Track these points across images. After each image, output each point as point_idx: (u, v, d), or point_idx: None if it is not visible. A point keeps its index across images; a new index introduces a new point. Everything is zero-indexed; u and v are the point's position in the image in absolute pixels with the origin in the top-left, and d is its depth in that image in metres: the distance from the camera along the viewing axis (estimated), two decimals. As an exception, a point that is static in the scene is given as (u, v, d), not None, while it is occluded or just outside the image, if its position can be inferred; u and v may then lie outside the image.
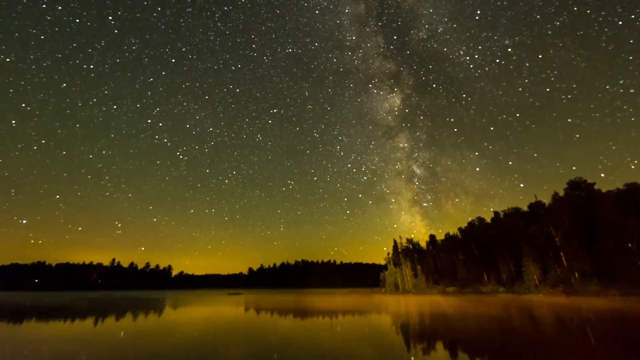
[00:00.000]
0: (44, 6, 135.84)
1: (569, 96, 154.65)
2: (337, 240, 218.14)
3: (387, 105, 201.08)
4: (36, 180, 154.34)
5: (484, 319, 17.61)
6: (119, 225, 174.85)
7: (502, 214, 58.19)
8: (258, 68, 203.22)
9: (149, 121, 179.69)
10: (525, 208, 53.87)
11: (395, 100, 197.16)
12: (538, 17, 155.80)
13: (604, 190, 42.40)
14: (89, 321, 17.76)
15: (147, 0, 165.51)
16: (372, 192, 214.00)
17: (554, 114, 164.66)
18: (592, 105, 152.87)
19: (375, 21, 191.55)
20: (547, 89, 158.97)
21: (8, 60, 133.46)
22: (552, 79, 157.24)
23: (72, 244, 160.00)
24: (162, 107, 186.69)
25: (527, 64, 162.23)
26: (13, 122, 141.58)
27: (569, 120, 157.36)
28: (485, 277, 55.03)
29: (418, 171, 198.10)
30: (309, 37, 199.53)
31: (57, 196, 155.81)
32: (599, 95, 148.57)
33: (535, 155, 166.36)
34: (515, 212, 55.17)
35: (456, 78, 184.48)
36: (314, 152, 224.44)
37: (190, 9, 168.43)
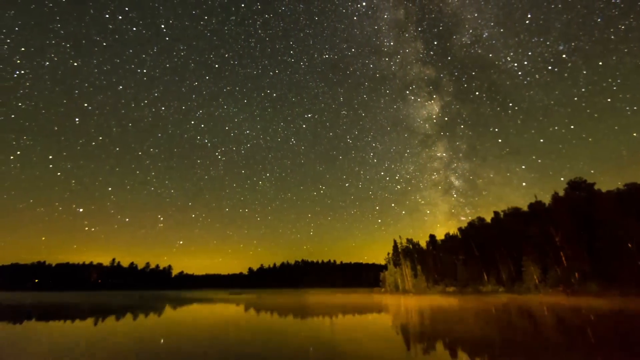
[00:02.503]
0: (107, 16, 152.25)
1: (635, 108, 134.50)
2: (367, 248, 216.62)
3: (424, 112, 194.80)
4: (93, 173, 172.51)
5: (483, 319, 17.61)
6: (161, 219, 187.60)
7: (502, 214, 58.14)
8: (295, 73, 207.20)
9: (192, 122, 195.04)
10: (525, 208, 53.88)
11: (434, 107, 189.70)
12: (599, 20, 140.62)
13: (603, 190, 42.42)
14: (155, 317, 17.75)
15: (196, 9, 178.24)
16: (405, 202, 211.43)
17: (616, 127, 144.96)
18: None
19: (415, 26, 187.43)
20: (608, 99, 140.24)
21: (76, 64, 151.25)
22: (615, 88, 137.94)
23: (119, 234, 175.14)
24: (204, 109, 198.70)
25: (585, 72, 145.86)
26: (77, 119, 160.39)
27: (635, 134, 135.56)
28: (485, 277, 55.00)
29: (456, 183, 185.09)
30: (346, 43, 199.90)
31: (110, 188, 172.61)
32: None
33: (592, 171, 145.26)
34: (515, 212, 55.12)
35: (502, 85, 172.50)
36: (346, 158, 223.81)
37: (234, 17, 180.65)
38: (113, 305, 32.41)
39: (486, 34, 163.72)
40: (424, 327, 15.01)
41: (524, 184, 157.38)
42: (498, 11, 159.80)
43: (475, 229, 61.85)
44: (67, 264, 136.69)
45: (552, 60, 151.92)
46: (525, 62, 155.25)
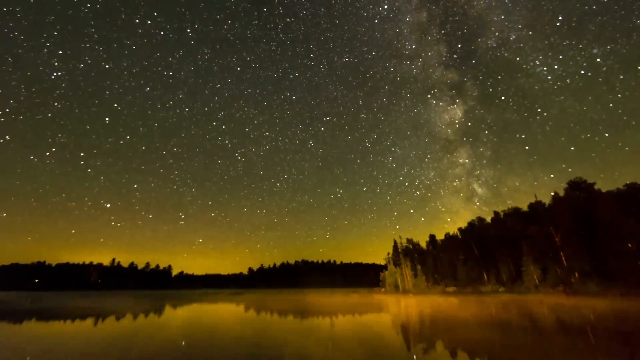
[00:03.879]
0: (137, 21, 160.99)
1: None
2: (385, 254, 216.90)
3: (446, 117, 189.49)
4: (120, 171, 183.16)
5: (483, 319, 17.61)
6: (182, 216, 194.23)
7: (502, 214, 58.17)
8: (314, 76, 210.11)
9: (214, 124, 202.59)
10: (525, 208, 53.91)
11: (457, 112, 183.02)
12: (638, 22, 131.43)
13: (604, 190, 42.45)
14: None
15: (220, 14, 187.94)
16: (425, 208, 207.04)
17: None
18: None
19: (438, 29, 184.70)
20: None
21: (107, 67, 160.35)
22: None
23: (144, 229, 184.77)
24: (226, 111, 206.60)
25: (621, 77, 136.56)
26: (107, 119, 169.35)
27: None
28: (485, 277, 55.02)
29: (479, 190, 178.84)
30: (366, 46, 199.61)
31: (135, 185, 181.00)
32: None
33: (629, 182, 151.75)
34: (515, 212, 55.16)
35: (530, 90, 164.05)
36: (364, 162, 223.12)
37: (256, 21, 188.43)
38: (114, 306, 32.42)
39: (513, 36, 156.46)
40: (424, 327, 15.02)
41: (552, 193, 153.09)
42: (527, 13, 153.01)
43: (475, 229, 61.87)
44: (67, 264, 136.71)
45: (585, 64, 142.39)
46: (556, 66, 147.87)
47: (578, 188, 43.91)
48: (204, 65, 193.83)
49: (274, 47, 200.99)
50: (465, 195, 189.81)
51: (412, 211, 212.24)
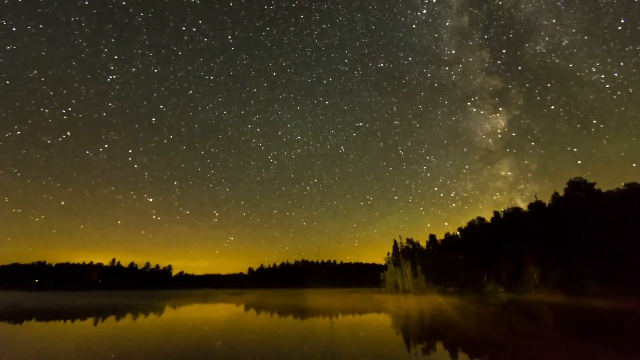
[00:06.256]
0: (183, 28, 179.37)
1: None
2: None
3: (488, 126, 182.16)
4: (163, 168, 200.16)
5: (483, 319, 17.60)
6: (216, 214, 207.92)
7: (502, 214, 58.17)
8: (348, 82, 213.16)
9: (249, 126, 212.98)
10: (525, 208, 53.90)
11: (499, 121, 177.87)
12: None
13: (604, 190, 42.43)
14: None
15: (259, 21, 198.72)
16: (461, 221, 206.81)
17: None
18: None
19: (481, 34, 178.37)
20: None
21: (155, 71, 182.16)
22: None
23: (181, 225, 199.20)
24: (261, 114, 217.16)
25: None
26: (153, 119, 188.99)
27: None
28: (485, 277, 54.99)
29: (523, 206, 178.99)
30: (402, 52, 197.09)
31: (175, 182, 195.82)
32: None
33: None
34: (515, 212, 55.14)
35: (584, 99, 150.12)
36: (397, 170, 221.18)
37: (293, 28, 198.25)
38: (113, 306, 32.42)
39: (566, 41, 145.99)
40: (424, 327, 15.01)
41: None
42: (582, 16, 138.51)
43: (475, 229, 61.87)
44: (67, 264, 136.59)
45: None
46: (616, 74, 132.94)
47: (578, 188, 43.90)
48: (242, 70, 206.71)
49: (309, 53, 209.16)
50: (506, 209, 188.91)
51: (446, 223, 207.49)
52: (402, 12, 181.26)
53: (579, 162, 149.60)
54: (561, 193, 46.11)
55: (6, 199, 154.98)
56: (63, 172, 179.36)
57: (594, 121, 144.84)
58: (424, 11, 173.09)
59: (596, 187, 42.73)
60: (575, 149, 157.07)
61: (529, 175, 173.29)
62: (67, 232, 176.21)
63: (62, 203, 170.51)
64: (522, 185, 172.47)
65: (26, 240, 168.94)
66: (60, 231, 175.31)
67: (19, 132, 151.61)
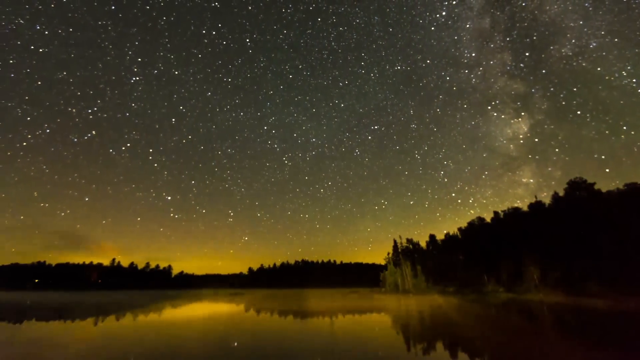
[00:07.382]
0: (204, 31, 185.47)
1: None
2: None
3: (509, 131, 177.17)
4: (181, 167, 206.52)
5: (483, 319, 17.59)
6: (231, 214, 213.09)
7: (502, 214, 58.14)
8: (364, 85, 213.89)
9: (265, 128, 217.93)
10: (525, 208, 53.89)
11: (521, 126, 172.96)
12: None
13: (604, 190, 42.42)
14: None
15: (277, 24, 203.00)
16: None
17: None
18: None
19: (503, 36, 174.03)
20: None
21: (176, 73, 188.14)
22: None
23: (197, 223, 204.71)
24: (276, 116, 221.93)
25: None
26: (173, 120, 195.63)
27: None
28: (485, 278, 54.96)
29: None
30: (420, 54, 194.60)
31: (193, 182, 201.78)
32: None
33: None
34: (515, 212, 55.12)
35: (613, 104, 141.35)
36: (412, 174, 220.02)
37: (310, 31, 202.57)
38: (114, 306, 32.40)
39: (594, 44, 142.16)
40: (424, 327, 15.01)
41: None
42: (612, 18, 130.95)
43: (475, 229, 61.86)
44: (67, 264, 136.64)
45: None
46: None
47: (578, 188, 43.91)
48: (260, 72, 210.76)
49: (325, 55, 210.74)
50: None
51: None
52: (421, 14, 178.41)
53: (607, 170, 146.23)
54: (561, 193, 46.12)
55: (35, 194, 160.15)
56: (88, 170, 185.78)
57: (624, 127, 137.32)
58: (443, 13, 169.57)
59: (596, 187, 42.75)
60: (603, 156, 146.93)
61: (553, 182, 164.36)
62: (91, 226, 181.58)
63: (87, 199, 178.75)
64: (545, 193, 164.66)
65: (50, 236, 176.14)
66: (85, 226, 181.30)
67: (48, 131, 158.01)
